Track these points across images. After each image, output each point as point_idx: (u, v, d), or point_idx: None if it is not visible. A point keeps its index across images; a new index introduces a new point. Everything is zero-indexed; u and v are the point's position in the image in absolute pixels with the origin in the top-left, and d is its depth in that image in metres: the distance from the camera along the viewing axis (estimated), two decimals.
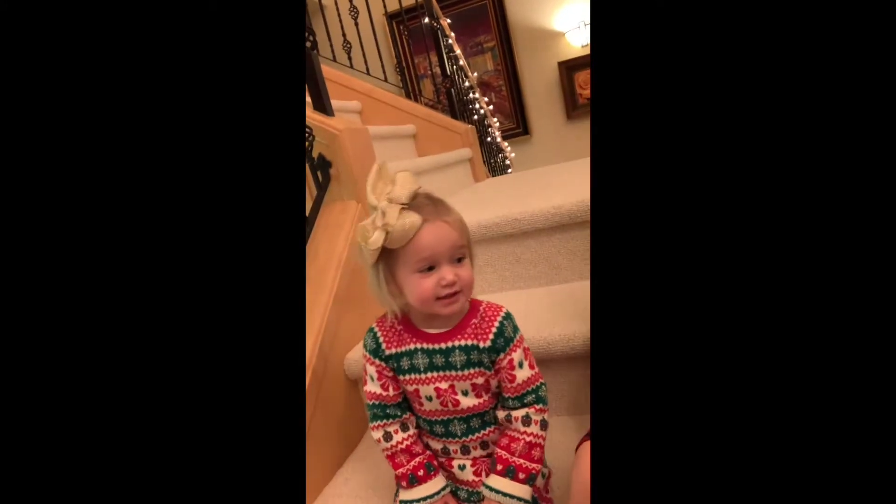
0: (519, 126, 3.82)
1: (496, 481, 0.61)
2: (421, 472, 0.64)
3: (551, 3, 3.57)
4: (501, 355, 0.61)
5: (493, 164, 2.57)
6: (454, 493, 0.66)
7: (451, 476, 0.67)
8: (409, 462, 0.64)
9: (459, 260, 0.59)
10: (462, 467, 0.66)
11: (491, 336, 0.61)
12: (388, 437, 0.65)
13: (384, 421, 0.65)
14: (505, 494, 0.60)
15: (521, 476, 0.60)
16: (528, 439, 0.61)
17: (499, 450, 0.62)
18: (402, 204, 0.56)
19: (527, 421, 0.61)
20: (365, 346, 0.66)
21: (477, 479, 0.65)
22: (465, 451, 0.66)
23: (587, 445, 0.57)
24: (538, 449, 0.61)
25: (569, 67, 3.62)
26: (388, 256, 0.58)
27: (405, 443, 0.65)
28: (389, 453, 0.65)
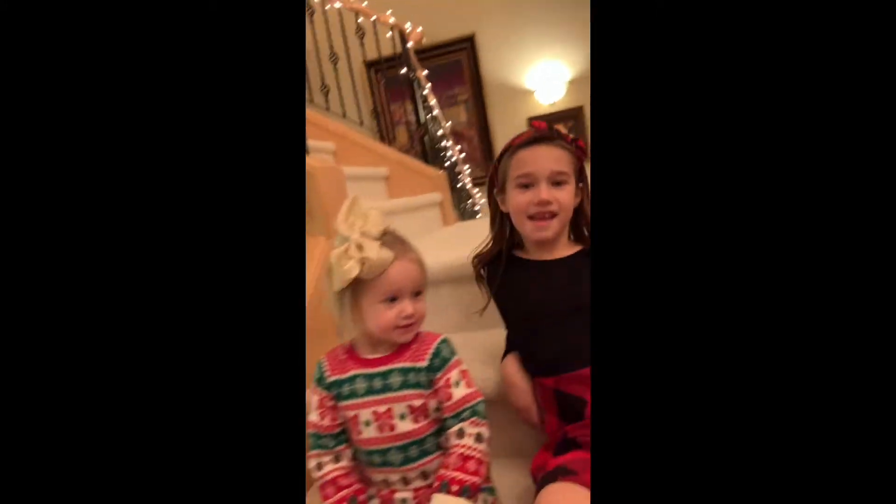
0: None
1: (433, 499, 0.61)
2: None
3: (523, 62, 3.78)
4: (439, 374, 0.64)
5: (464, 208, 2.64)
6: None
7: None
8: (334, 494, 0.65)
9: (417, 294, 0.64)
10: (403, 501, 0.66)
11: (428, 356, 0.64)
12: (319, 466, 0.67)
13: (317, 451, 0.67)
14: None
15: (455, 488, 0.60)
16: (460, 451, 0.62)
17: (440, 469, 0.63)
18: (375, 238, 0.61)
19: (460, 434, 0.63)
20: (314, 377, 0.69)
21: None
22: (405, 481, 0.66)
23: (548, 493, 0.57)
24: (473, 461, 0.62)
25: None
26: (355, 286, 0.63)
27: (333, 474, 0.66)
28: (320, 484, 0.66)
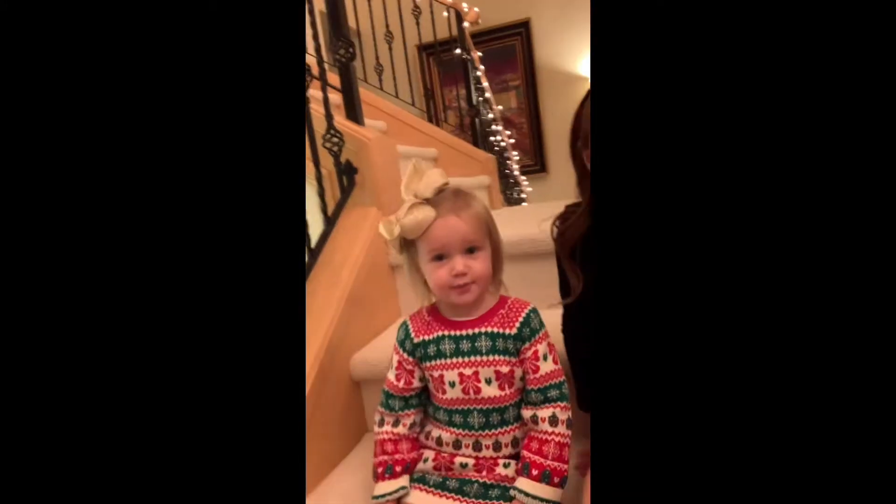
0: (537, 163, 3.88)
1: (532, 486, 0.60)
2: (380, 470, 0.67)
3: (577, 50, 3.68)
4: (527, 344, 0.63)
5: (510, 195, 2.61)
6: (442, 484, 0.66)
7: (450, 470, 0.67)
8: (378, 456, 0.68)
9: (471, 251, 0.62)
10: (464, 465, 0.66)
11: (517, 324, 0.64)
12: (380, 422, 0.70)
13: (383, 409, 0.70)
14: (542, 500, 0.60)
15: (556, 480, 0.60)
16: (557, 440, 0.61)
17: (530, 454, 0.62)
18: (425, 198, 0.61)
19: (554, 421, 0.62)
20: (397, 337, 0.70)
21: (477, 474, 0.65)
22: (477, 447, 0.66)
23: None
24: (566, 449, 0.62)
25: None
26: (410, 246, 0.64)
27: (384, 436, 0.69)
28: (375, 440, 0.70)
